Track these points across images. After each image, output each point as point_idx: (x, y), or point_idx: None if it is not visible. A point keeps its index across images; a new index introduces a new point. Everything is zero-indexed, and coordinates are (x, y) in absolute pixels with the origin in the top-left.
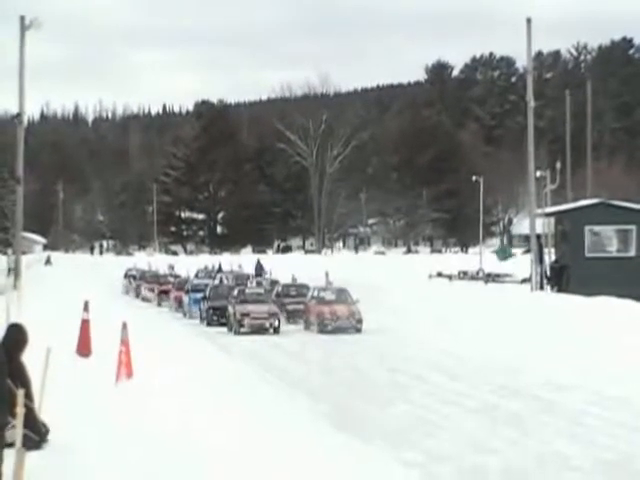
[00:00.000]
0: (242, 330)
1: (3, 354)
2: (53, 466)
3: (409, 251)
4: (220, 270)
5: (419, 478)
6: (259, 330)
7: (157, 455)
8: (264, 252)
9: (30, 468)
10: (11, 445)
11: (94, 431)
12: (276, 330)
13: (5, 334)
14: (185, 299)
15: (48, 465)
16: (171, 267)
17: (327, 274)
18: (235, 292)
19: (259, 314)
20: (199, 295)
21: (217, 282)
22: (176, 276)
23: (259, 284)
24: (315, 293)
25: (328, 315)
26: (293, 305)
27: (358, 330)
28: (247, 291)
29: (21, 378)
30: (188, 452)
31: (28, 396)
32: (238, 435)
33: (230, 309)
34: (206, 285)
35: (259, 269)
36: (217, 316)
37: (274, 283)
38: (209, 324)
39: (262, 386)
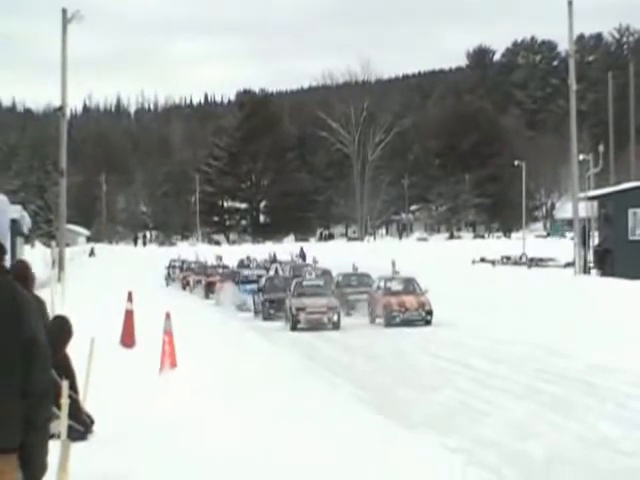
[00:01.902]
0: (299, 326)
1: (48, 346)
2: (98, 457)
3: (452, 237)
4: (275, 260)
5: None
6: (317, 326)
7: (200, 447)
8: (306, 240)
9: (75, 459)
10: (54, 436)
11: (138, 422)
12: (335, 325)
13: (50, 326)
14: (235, 291)
15: (93, 456)
16: (219, 258)
17: (394, 263)
18: (292, 284)
19: (316, 308)
20: (249, 287)
21: (272, 273)
22: (224, 267)
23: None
24: (381, 283)
25: (396, 306)
26: (355, 295)
27: (428, 322)
28: (305, 283)
29: (65, 370)
30: (231, 445)
31: (72, 387)
32: (284, 432)
33: (287, 302)
34: (258, 276)
35: (303, 257)
36: (274, 309)
37: (325, 273)
38: (265, 318)
39: (307, 378)
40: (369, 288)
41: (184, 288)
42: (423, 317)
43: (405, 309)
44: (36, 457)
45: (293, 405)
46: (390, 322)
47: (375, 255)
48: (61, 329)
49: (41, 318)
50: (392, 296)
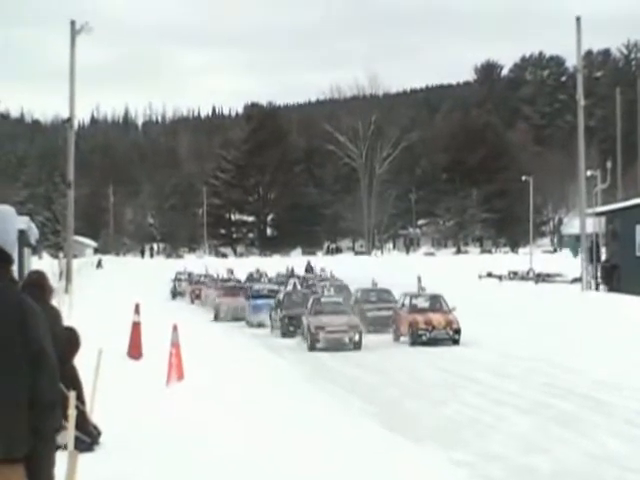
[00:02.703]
0: (318, 346)
1: (56, 357)
2: (105, 468)
3: (459, 252)
4: (293, 275)
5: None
6: (337, 346)
7: (207, 458)
8: (314, 254)
9: (82, 470)
10: (61, 447)
11: (145, 433)
12: (357, 345)
13: (58, 337)
14: (246, 306)
15: (100, 467)
16: (230, 271)
17: (420, 279)
18: (310, 301)
19: (336, 327)
20: (260, 302)
21: (290, 288)
22: (237, 281)
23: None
24: (406, 300)
25: (422, 325)
26: (374, 312)
27: (455, 341)
28: (323, 300)
29: (72, 381)
30: (237, 456)
31: (79, 399)
32: (289, 444)
33: (304, 320)
34: (270, 291)
35: (309, 270)
36: (294, 326)
37: (343, 288)
38: (285, 335)
39: (312, 392)
40: (389, 304)
41: (193, 302)
42: (451, 336)
43: (432, 327)
44: (43, 468)
45: (299, 416)
46: (416, 340)
47: (384, 269)
48: (69, 340)
49: (49, 329)
50: (418, 314)
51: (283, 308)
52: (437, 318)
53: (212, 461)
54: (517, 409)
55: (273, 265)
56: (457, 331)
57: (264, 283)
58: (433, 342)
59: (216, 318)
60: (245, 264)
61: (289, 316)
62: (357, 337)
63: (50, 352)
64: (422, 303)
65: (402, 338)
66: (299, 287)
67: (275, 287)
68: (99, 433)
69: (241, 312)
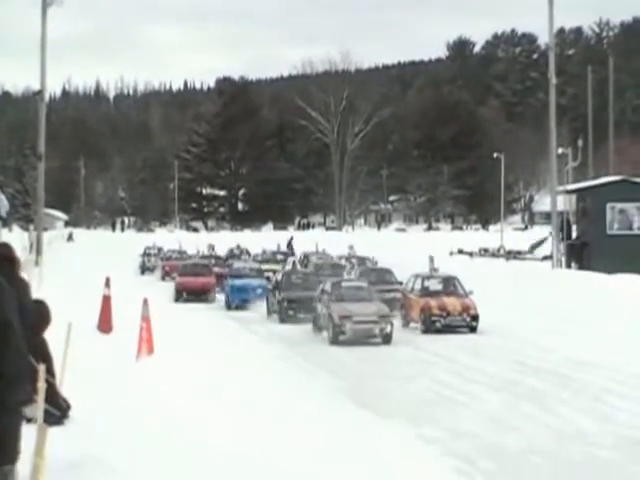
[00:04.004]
0: (342, 338)
1: (24, 330)
2: (74, 442)
3: (430, 228)
4: (292, 253)
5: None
6: (364, 338)
7: (174, 432)
8: (285, 229)
9: (51, 444)
10: (31, 421)
11: (114, 407)
12: (387, 339)
13: (27, 310)
14: (226, 287)
15: (69, 441)
16: (211, 247)
17: (432, 258)
18: (327, 285)
19: (366, 316)
20: (238, 282)
21: (289, 267)
22: (217, 257)
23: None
24: (417, 282)
25: (436, 310)
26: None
27: (473, 329)
28: (344, 284)
29: (42, 354)
30: (206, 430)
31: (49, 372)
32: (258, 420)
33: (321, 309)
34: (252, 270)
35: (291, 249)
36: (293, 310)
37: (336, 266)
38: (283, 320)
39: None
40: (392, 286)
41: (163, 278)
42: (468, 323)
43: (447, 313)
44: (8, 439)
45: (273, 392)
46: (429, 328)
47: (357, 245)
48: (39, 314)
49: (18, 302)
50: (431, 297)
51: (282, 290)
52: (452, 302)
53: (179, 434)
54: (487, 387)
55: (252, 240)
56: (475, 317)
57: (246, 261)
58: (448, 329)
59: (177, 300)
60: (218, 239)
61: (289, 299)
62: (388, 328)
63: (16, 326)
64: (435, 285)
65: (412, 324)
66: (299, 267)
67: (256, 266)
68: (69, 407)
69: (204, 294)
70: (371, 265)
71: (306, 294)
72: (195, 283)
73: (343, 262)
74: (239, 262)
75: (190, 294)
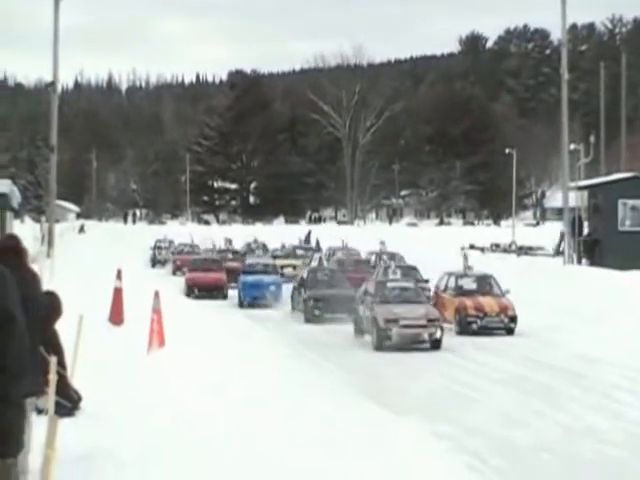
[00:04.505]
0: (387, 344)
1: (35, 322)
2: (85, 433)
3: (441, 223)
4: (319, 248)
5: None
6: (411, 343)
7: (184, 426)
8: (296, 222)
9: (63, 435)
10: (43, 412)
11: (125, 399)
12: (436, 344)
13: (37, 301)
14: (238, 283)
15: (80, 432)
16: (228, 241)
17: (465, 256)
18: (370, 285)
19: (414, 320)
20: (250, 278)
21: (315, 264)
22: (235, 252)
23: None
24: (450, 281)
25: (472, 311)
26: None
27: (510, 331)
28: (390, 284)
29: (54, 346)
30: (216, 423)
31: (60, 364)
32: (270, 417)
33: (363, 311)
34: (266, 265)
35: (308, 242)
36: (319, 309)
37: (361, 262)
38: (309, 320)
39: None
40: (421, 284)
41: (174, 273)
42: (505, 324)
43: (484, 314)
44: (10, 432)
45: (282, 385)
46: (465, 329)
47: (368, 239)
48: (50, 305)
49: (29, 293)
50: (466, 297)
51: (307, 288)
52: (489, 303)
53: (189, 427)
54: (497, 383)
55: (268, 234)
56: (513, 319)
57: (260, 256)
58: (485, 331)
59: (188, 295)
60: (232, 232)
61: (315, 298)
62: (438, 333)
63: (20, 319)
64: (469, 284)
65: (446, 325)
66: (325, 263)
67: (270, 261)
68: (80, 398)
69: (217, 290)
70: (399, 262)
71: (333, 292)
72: (207, 279)
73: (366, 257)
74: (252, 257)
75: (202, 290)
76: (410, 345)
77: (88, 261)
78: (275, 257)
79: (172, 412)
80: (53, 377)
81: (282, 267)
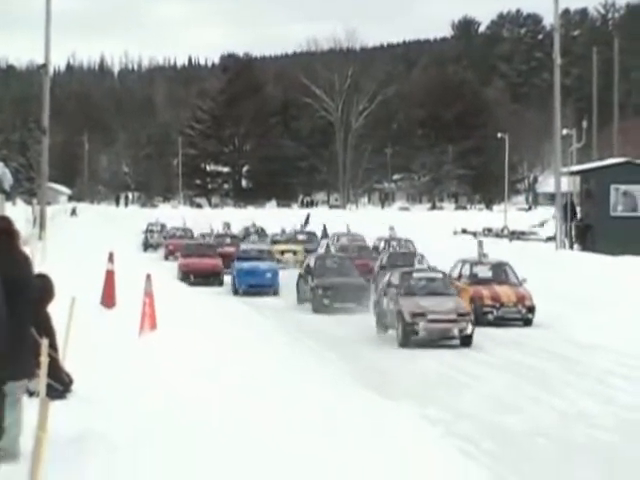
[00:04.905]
0: (413, 339)
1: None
2: (77, 416)
3: (434, 207)
4: (326, 235)
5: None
6: (439, 339)
7: (176, 409)
8: (289, 206)
9: (54, 418)
10: (34, 394)
11: (117, 382)
12: (466, 340)
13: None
14: (233, 270)
15: (72, 415)
16: (227, 225)
17: (480, 243)
18: (395, 276)
19: (443, 314)
20: (246, 265)
21: (322, 251)
22: (233, 236)
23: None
24: (465, 268)
25: (489, 300)
26: None
27: (528, 322)
28: (415, 275)
29: (45, 328)
30: (207, 407)
31: (52, 346)
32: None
33: (387, 304)
34: (261, 251)
35: (307, 225)
36: (329, 298)
37: (363, 249)
38: (317, 310)
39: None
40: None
41: (167, 258)
42: (523, 315)
43: (500, 304)
44: None
45: (275, 371)
46: (480, 320)
47: (360, 222)
48: (43, 288)
49: (19, 275)
50: (482, 286)
51: (315, 276)
52: (506, 292)
53: (180, 410)
54: (490, 367)
55: (264, 218)
56: (531, 309)
57: (254, 242)
58: (501, 322)
59: (183, 281)
60: (225, 216)
61: (323, 286)
62: (469, 329)
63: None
64: (484, 272)
65: None
66: (333, 250)
67: (265, 247)
68: (71, 381)
69: (214, 277)
70: (403, 249)
71: (343, 281)
72: (202, 265)
73: (374, 243)
74: (247, 243)
75: (198, 277)
76: (438, 342)
77: (80, 244)
78: (275, 242)
79: (164, 395)
80: (44, 359)
81: (283, 252)
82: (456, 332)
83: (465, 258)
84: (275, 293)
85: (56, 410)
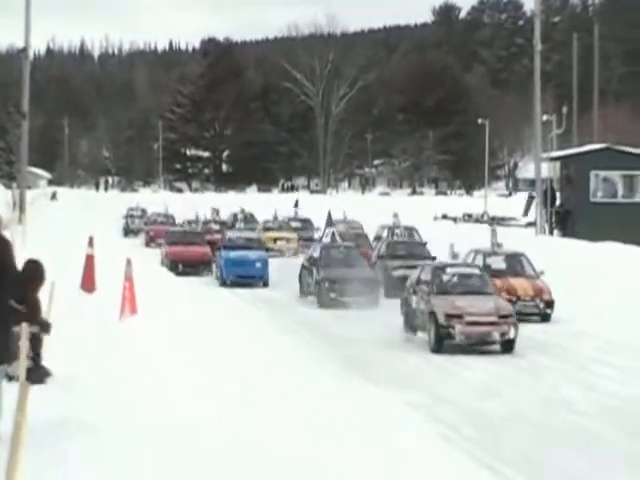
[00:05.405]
0: (448, 343)
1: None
2: (56, 400)
3: (414, 192)
4: (331, 223)
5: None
6: (478, 343)
7: (157, 391)
8: (269, 191)
9: (33, 402)
10: (14, 379)
11: (96, 366)
12: (509, 346)
13: (22, 269)
14: (218, 260)
15: (52, 399)
16: (215, 211)
17: (494, 232)
18: (426, 272)
19: (481, 316)
20: (233, 254)
21: (327, 240)
22: (222, 222)
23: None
24: (478, 260)
25: (504, 294)
26: (401, 271)
27: (546, 317)
28: (449, 270)
29: (35, 312)
30: (186, 391)
31: (45, 329)
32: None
33: (417, 303)
34: (248, 240)
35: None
36: (335, 292)
37: (360, 237)
38: (323, 305)
39: None
40: (423, 262)
41: (148, 244)
42: (541, 310)
43: (516, 297)
44: None
45: (254, 356)
46: None
47: (343, 208)
48: (34, 272)
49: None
50: (496, 278)
51: (320, 268)
52: (522, 285)
53: (160, 394)
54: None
55: (249, 203)
56: (549, 304)
57: (241, 229)
58: (518, 317)
59: (171, 271)
60: (206, 201)
61: (330, 279)
62: (512, 333)
63: None
64: (499, 264)
65: None
66: (339, 239)
67: (254, 235)
68: (49, 373)
69: (203, 265)
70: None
71: (351, 273)
72: (191, 253)
73: (377, 232)
74: (233, 231)
75: (187, 266)
76: (477, 347)
77: (60, 228)
78: (267, 229)
79: (144, 379)
80: (24, 344)
81: (275, 240)
82: (497, 336)
83: (478, 248)
84: (265, 284)
85: (35, 395)
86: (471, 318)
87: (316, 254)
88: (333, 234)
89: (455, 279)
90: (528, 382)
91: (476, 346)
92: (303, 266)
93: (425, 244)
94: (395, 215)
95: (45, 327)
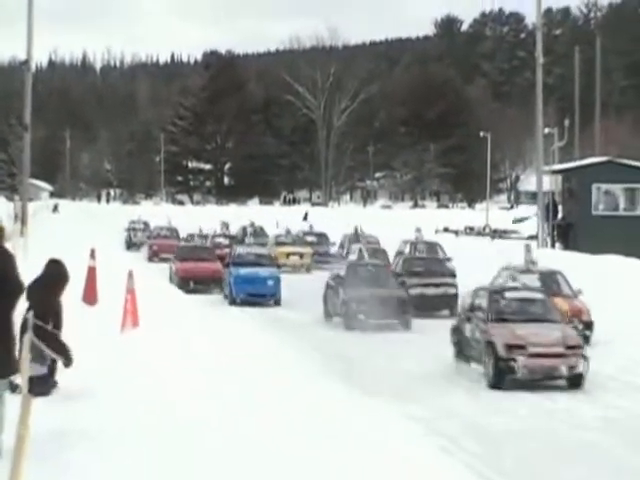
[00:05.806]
0: (509, 378)
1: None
2: (59, 412)
3: (416, 205)
4: (358, 239)
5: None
6: (543, 378)
7: (159, 403)
8: (270, 203)
9: (36, 414)
10: (17, 390)
11: (98, 378)
12: (577, 380)
13: (45, 271)
14: (227, 277)
15: (54, 411)
16: (225, 225)
17: (528, 247)
18: (482, 297)
19: (547, 347)
20: (243, 271)
21: (354, 257)
22: (231, 237)
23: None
24: (508, 278)
25: None
26: (419, 289)
27: (585, 340)
28: (509, 295)
29: (55, 318)
30: (189, 403)
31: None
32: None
33: (472, 331)
34: (259, 256)
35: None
36: (364, 314)
37: (377, 251)
38: (349, 327)
39: None
40: (444, 279)
41: (151, 259)
42: (579, 332)
43: None
44: None
45: (257, 370)
46: None
47: (344, 221)
48: (58, 273)
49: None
50: None
51: (346, 287)
52: (560, 305)
53: (163, 407)
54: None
55: (257, 216)
56: (589, 325)
57: (250, 244)
58: None
59: (181, 288)
60: (209, 214)
61: (358, 300)
62: (581, 366)
63: None
64: (533, 282)
65: None
66: (366, 256)
67: (264, 251)
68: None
69: (214, 283)
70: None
71: (380, 293)
72: (202, 269)
73: (399, 248)
74: (243, 246)
75: (198, 284)
76: (542, 382)
77: (61, 240)
78: (279, 244)
79: (146, 391)
80: (26, 355)
81: (288, 255)
82: (564, 370)
83: (509, 265)
84: (277, 303)
85: (38, 407)
86: (535, 349)
87: (342, 272)
88: (360, 250)
89: (515, 305)
90: (528, 395)
91: (540, 381)
92: (328, 285)
93: (448, 259)
94: (418, 230)
95: (69, 360)
